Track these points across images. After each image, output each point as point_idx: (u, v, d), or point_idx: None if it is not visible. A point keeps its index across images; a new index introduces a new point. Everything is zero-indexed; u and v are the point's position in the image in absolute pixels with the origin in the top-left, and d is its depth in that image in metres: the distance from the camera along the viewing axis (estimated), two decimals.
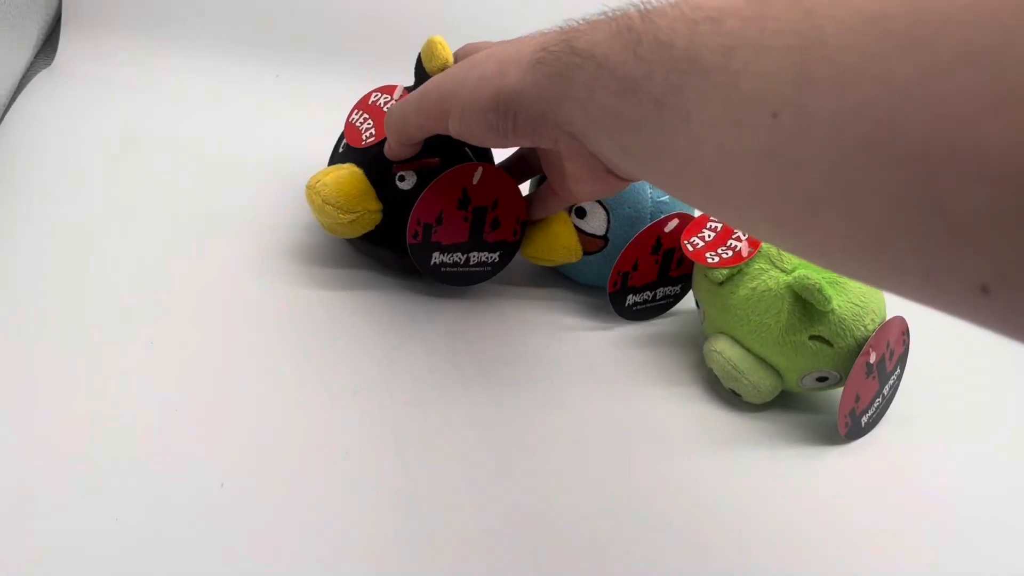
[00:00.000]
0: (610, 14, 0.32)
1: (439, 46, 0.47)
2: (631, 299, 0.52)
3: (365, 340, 0.46)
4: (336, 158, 0.51)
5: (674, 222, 0.50)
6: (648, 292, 0.52)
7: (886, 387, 0.48)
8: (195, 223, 0.51)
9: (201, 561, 0.33)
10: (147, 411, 0.38)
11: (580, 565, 0.38)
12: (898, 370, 0.49)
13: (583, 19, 0.34)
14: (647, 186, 0.51)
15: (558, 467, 0.42)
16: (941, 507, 0.45)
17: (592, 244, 0.51)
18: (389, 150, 0.46)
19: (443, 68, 0.47)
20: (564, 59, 0.33)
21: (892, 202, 0.21)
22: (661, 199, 0.51)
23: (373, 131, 0.48)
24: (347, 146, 0.49)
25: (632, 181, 0.41)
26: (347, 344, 0.45)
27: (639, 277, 0.51)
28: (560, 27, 0.35)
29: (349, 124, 0.50)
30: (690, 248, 0.48)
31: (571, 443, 0.44)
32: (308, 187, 0.47)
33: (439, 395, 0.44)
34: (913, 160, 0.20)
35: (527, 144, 0.38)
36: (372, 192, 0.47)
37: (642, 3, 0.30)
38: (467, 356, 0.47)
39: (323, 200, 0.46)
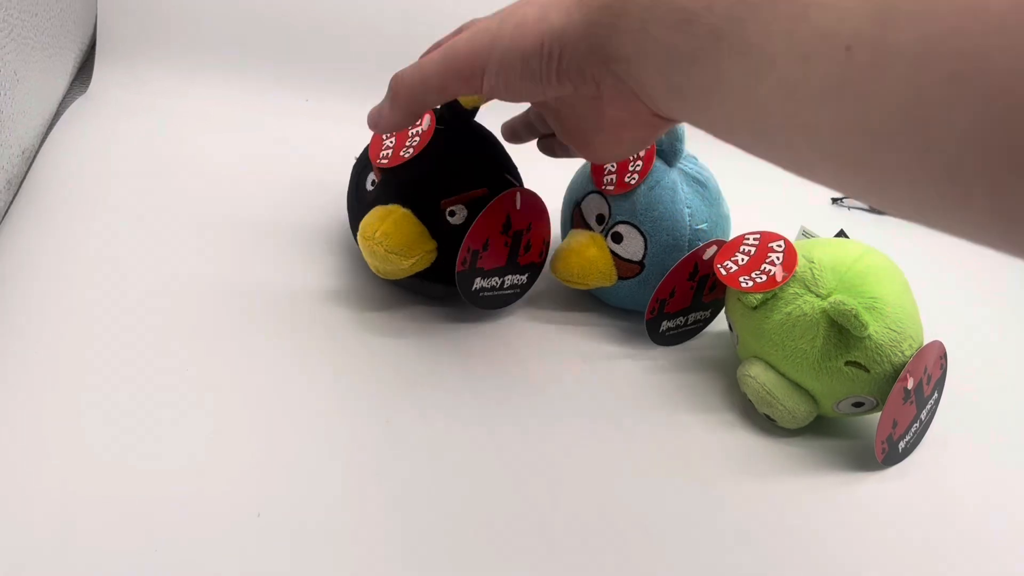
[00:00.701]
0: None
1: None
2: (665, 325, 0.51)
3: (399, 366, 0.46)
4: (367, 196, 0.49)
5: (713, 249, 0.49)
6: (681, 318, 0.52)
7: (923, 412, 0.48)
8: (228, 248, 0.51)
9: None
10: (181, 439, 0.38)
11: None
12: (936, 395, 0.49)
13: None
14: (686, 214, 0.50)
15: (591, 494, 0.42)
16: (982, 534, 0.45)
17: (628, 269, 0.51)
18: (388, 119, 0.40)
19: (481, 102, 0.47)
20: None
21: (971, 138, 0.20)
22: (699, 227, 0.51)
23: (391, 152, 0.48)
24: (379, 183, 0.48)
25: (676, 123, 0.39)
26: (380, 370, 0.45)
27: (675, 304, 0.51)
28: None
29: (376, 136, 0.49)
30: (723, 272, 0.48)
31: (605, 469, 0.43)
32: (367, 238, 0.45)
33: (472, 423, 0.44)
34: (1001, 95, 0.19)
35: (567, 90, 0.36)
36: (426, 232, 0.46)
37: None
38: (500, 382, 0.47)
39: (386, 250, 0.45)
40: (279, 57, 0.72)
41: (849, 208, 0.80)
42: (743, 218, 0.57)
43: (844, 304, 0.43)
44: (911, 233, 0.77)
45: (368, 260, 0.46)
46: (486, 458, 0.42)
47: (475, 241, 0.47)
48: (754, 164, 0.77)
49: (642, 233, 0.50)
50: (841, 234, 0.54)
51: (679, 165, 0.51)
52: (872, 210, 0.81)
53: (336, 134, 0.66)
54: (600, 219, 0.52)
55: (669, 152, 0.51)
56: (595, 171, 0.51)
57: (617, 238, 0.51)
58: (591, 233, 0.51)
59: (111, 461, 0.36)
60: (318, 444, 0.40)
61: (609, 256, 0.50)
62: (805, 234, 0.54)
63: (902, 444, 0.47)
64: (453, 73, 0.37)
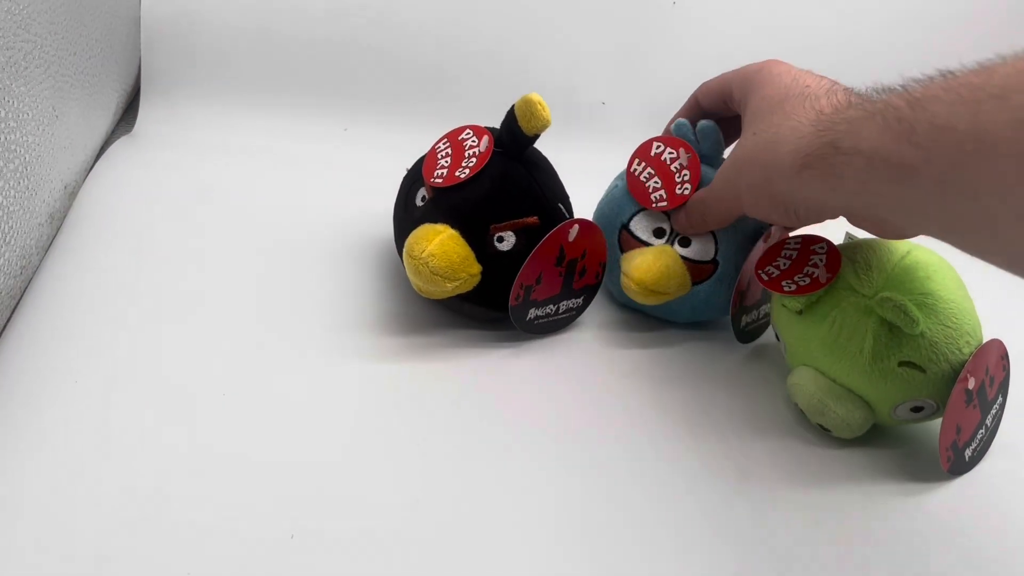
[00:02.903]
0: (867, 106, 0.34)
1: (539, 107, 0.45)
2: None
3: (442, 391, 0.46)
4: (416, 211, 0.49)
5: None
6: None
7: (988, 417, 0.45)
8: (270, 278, 0.52)
9: None
10: (217, 466, 0.38)
11: None
12: (1000, 398, 0.46)
13: (834, 111, 0.37)
14: None
15: (645, 511, 0.40)
16: None
17: (702, 271, 0.50)
18: (683, 226, 0.49)
19: (543, 130, 0.46)
20: (830, 160, 0.35)
21: None
22: None
23: (445, 172, 0.47)
24: (430, 200, 0.48)
25: None
26: (423, 395, 0.45)
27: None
28: (813, 124, 0.37)
29: (432, 152, 0.49)
30: (764, 277, 0.46)
31: (658, 487, 0.42)
32: (414, 258, 0.44)
33: (520, 440, 0.43)
34: None
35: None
36: (472, 255, 0.46)
37: (905, 91, 0.32)
38: (550, 400, 0.46)
39: (432, 271, 0.44)
40: (316, 89, 0.73)
41: None
42: None
43: (892, 299, 0.40)
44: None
45: (412, 279, 0.46)
46: (530, 475, 0.41)
47: (528, 277, 0.46)
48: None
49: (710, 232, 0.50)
50: None
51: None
52: None
53: (374, 161, 0.66)
54: (660, 232, 0.50)
55: (711, 156, 0.51)
56: (636, 191, 0.51)
57: (685, 243, 0.50)
58: (657, 246, 0.50)
59: (151, 491, 0.36)
60: (358, 469, 0.40)
61: (682, 262, 0.49)
62: (850, 238, 0.52)
63: (969, 452, 0.44)
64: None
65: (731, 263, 0.50)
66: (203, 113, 0.70)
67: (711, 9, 0.78)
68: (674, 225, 0.49)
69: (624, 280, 0.49)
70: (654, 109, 0.76)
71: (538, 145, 0.48)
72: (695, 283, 0.50)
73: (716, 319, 0.54)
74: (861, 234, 0.52)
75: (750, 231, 0.50)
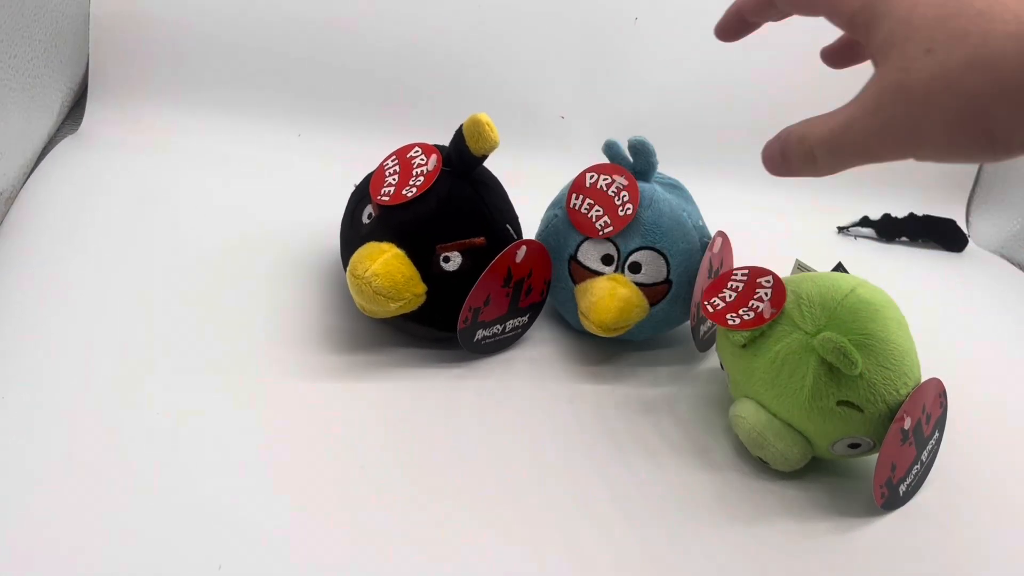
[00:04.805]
0: None
1: (487, 128, 0.45)
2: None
3: (382, 414, 0.45)
4: (362, 228, 0.48)
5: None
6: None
7: (924, 452, 0.46)
8: (213, 285, 0.51)
9: None
10: (144, 488, 0.37)
11: None
12: (936, 434, 0.46)
13: None
14: (684, 216, 0.51)
15: (578, 536, 0.40)
16: None
17: (656, 293, 0.50)
18: (790, 166, 0.36)
19: (491, 150, 0.46)
20: None
21: None
22: (699, 223, 0.53)
23: (392, 189, 0.46)
24: (377, 218, 0.47)
25: None
26: (363, 418, 0.44)
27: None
28: None
29: (380, 168, 0.48)
30: (710, 309, 0.46)
31: (592, 512, 0.42)
32: (357, 277, 0.44)
33: (451, 467, 0.43)
34: None
35: None
36: (417, 276, 0.45)
37: None
38: (485, 423, 0.46)
39: (375, 291, 0.43)
40: (272, 92, 0.71)
41: (855, 237, 0.78)
42: (743, 250, 0.55)
43: (832, 340, 0.41)
44: (916, 263, 0.75)
45: (355, 298, 0.45)
46: (471, 499, 0.41)
47: (476, 300, 0.46)
48: (759, 194, 0.76)
49: (660, 252, 0.50)
50: (839, 267, 0.52)
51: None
52: (879, 238, 0.78)
53: (327, 169, 0.65)
54: (609, 259, 0.50)
55: (645, 170, 0.51)
56: (577, 222, 0.50)
57: (635, 268, 0.50)
58: (607, 276, 0.50)
59: (74, 515, 0.35)
60: (294, 491, 0.39)
61: (637, 289, 0.49)
62: (801, 267, 0.53)
63: (903, 487, 0.45)
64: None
65: (684, 279, 0.50)
66: (152, 113, 0.68)
67: (672, 25, 0.78)
68: (767, 167, 0.37)
69: (584, 321, 0.49)
70: (613, 123, 0.76)
71: (498, 158, 0.48)
72: (651, 305, 0.50)
73: (671, 331, 0.55)
74: (816, 263, 0.52)
75: (696, 244, 0.51)
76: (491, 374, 0.50)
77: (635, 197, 0.49)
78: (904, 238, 0.78)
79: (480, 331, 0.48)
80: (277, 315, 0.50)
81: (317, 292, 0.52)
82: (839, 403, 0.42)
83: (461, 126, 0.46)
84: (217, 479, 0.38)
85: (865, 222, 0.78)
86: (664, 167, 0.53)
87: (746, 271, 0.47)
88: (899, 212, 0.78)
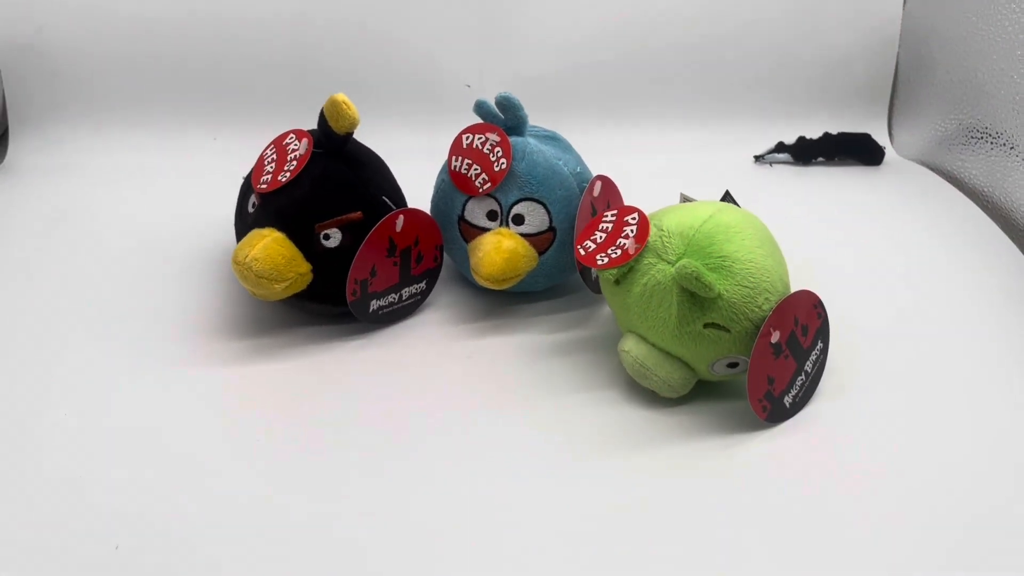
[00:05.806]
0: None
1: (344, 106, 0.47)
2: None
3: (288, 390, 0.48)
4: (248, 217, 0.50)
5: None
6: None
7: (807, 364, 0.47)
8: (129, 294, 0.54)
9: None
10: (57, 483, 0.40)
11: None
12: (819, 344, 0.48)
13: None
14: (560, 165, 0.53)
15: (475, 483, 0.42)
16: (878, 487, 0.43)
17: (543, 241, 0.52)
18: None
19: (352, 128, 0.48)
20: None
21: None
22: (577, 170, 0.54)
23: (270, 177, 0.48)
24: (259, 206, 0.49)
25: None
26: (271, 396, 0.47)
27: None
28: None
29: (260, 158, 0.50)
30: (583, 252, 0.48)
31: (494, 455, 0.44)
32: (237, 263, 0.46)
33: (365, 433, 0.45)
34: None
35: None
36: (300, 255, 0.47)
37: None
38: (394, 391, 0.48)
39: (257, 275, 0.46)
40: (183, 100, 0.74)
41: (771, 164, 0.79)
42: (662, 191, 0.57)
43: (686, 268, 0.42)
44: (834, 181, 0.76)
45: (242, 284, 0.47)
46: (367, 460, 0.43)
47: (360, 272, 0.48)
48: (678, 133, 0.77)
49: (539, 201, 0.52)
50: (727, 196, 0.54)
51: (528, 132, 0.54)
52: (795, 162, 0.79)
53: (247, 166, 0.67)
54: (493, 215, 0.52)
55: (516, 125, 0.53)
56: (460, 183, 0.52)
57: (519, 220, 0.52)
58: (493, 231, 0.52)
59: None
60: (210, 473, 0.41)
61: (522, 240, 0.51)
62: (684, 199, 0.54)
63: (788, 399, 0.46)
64: None
65: (567, 225, 0.52)
66: (73, 137, 0.71)
67: None
68: None
69: (476, 277, 0.51)
70: (520, 86, 0.77)
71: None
72: (540, 254, 0.52)
73: (570, 278, 0.57)
74: (696, 196, 0.54)
75: (575, 190, 0.53)
76: (394, 342, 0.52)
77: (507, 152, 0.51)
78: (820, 159, 0.79)
79: (374, 301, 0.50)
80: (183, 310, 0.52)
81: (226, 285, 0.55)
82: (706, 326, 0.44)
83: (322, 108, 0.48)
84: (123, 469, 0.41)
85: (780, 148, 0.79)
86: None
87: (615, 212, 0.49)
88: (814, 133, 0.79)
